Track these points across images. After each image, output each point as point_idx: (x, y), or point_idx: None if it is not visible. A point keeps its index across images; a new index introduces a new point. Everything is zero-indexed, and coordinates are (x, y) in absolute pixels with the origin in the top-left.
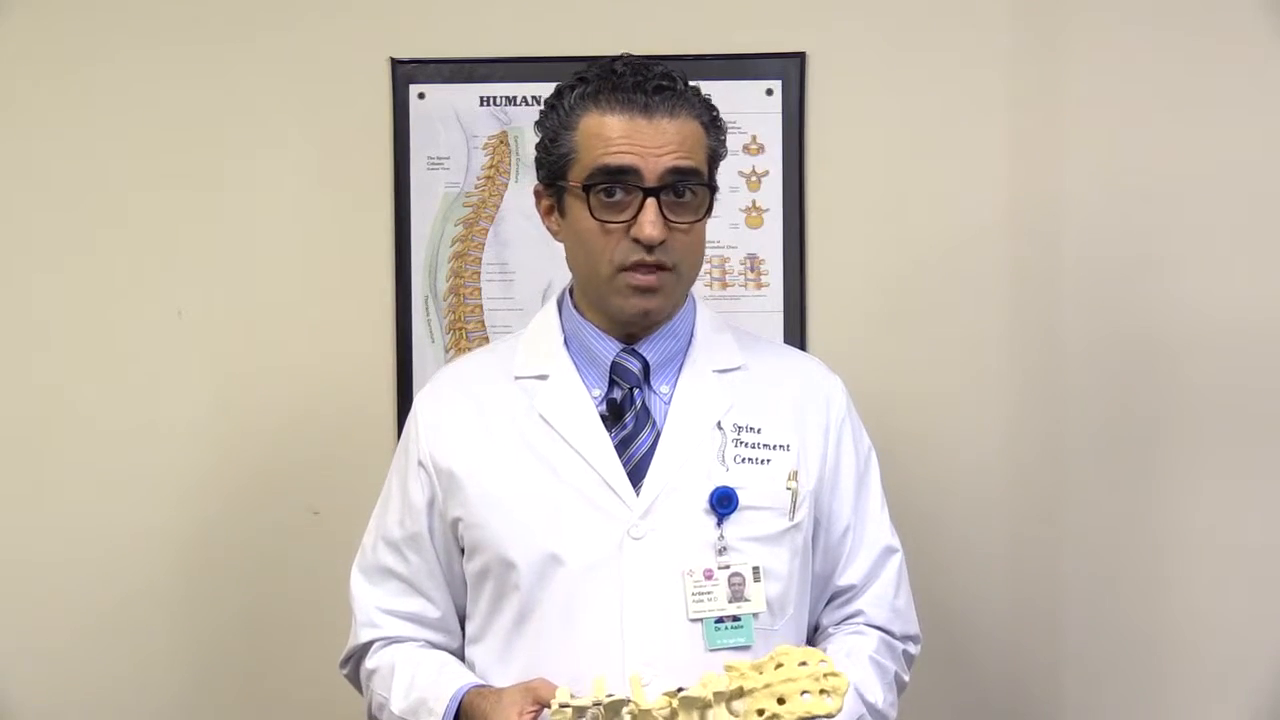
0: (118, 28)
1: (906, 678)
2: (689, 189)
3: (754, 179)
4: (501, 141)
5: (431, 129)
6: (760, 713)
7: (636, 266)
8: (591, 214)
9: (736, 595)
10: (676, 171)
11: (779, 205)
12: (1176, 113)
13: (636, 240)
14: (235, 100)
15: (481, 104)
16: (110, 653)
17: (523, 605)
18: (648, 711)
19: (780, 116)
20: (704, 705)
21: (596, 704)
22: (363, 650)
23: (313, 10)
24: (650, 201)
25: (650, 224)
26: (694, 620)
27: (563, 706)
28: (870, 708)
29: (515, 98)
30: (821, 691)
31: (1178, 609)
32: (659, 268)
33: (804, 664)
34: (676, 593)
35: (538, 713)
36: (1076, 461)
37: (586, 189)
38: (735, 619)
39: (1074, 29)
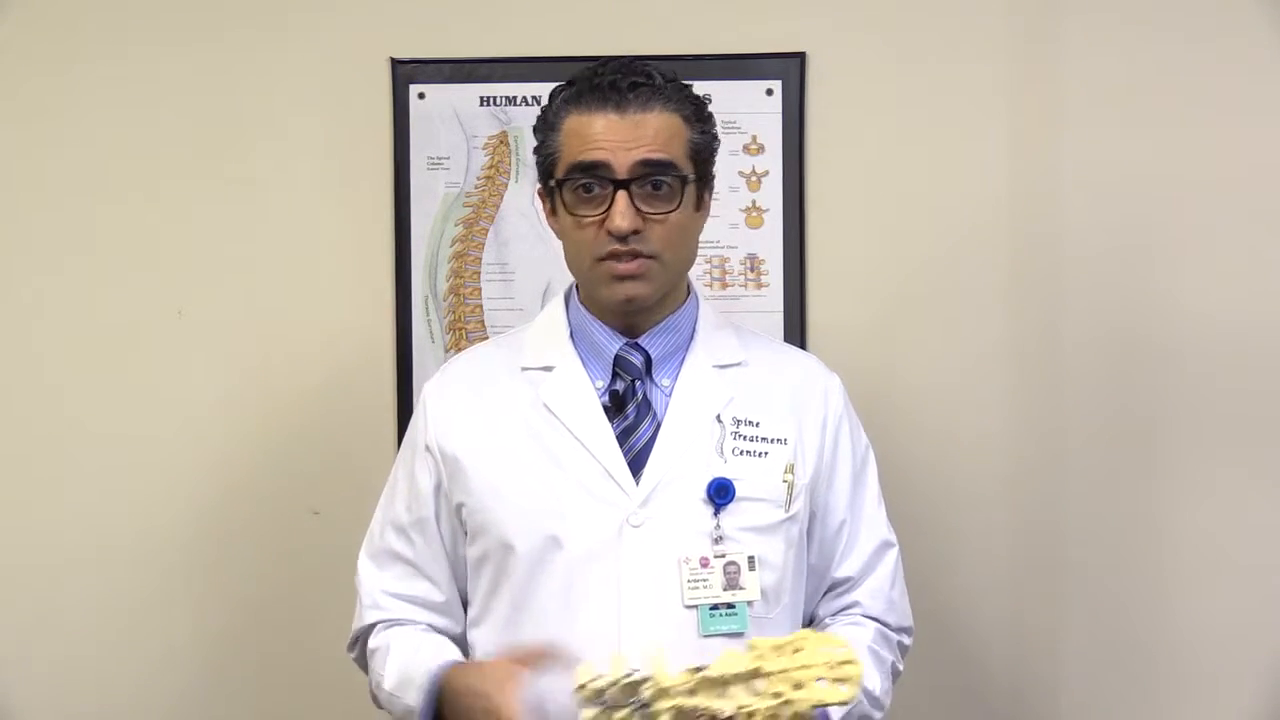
0: (118, 28)
1: (901, 667)
2: (664, 181)
3: (754, 179)
4: (501, 141)
5: (431, 129)
6: (776, 695)
7: (613, 256)
8: (568, 209)
9: (731, 583)
10: (647, 164)
11: (779, 205)
12: (1176, 112)
13: (610, 232)
14: (235, 100)
15: (481, 104)
16: (110, 653)
17: (521, 590)
18: (667, 690)
19: (780, 116)
20: (724, 684)
21: (615, 683)
22: (367, 631)
23: (313, 10)
24: (620, 194)
25: (620, 215)
26: (689, 607)
27: (582, 686)
28: (868, 695)
29: (515, 98)
30: (836, 680)
31: (1178, 608)
32: (638, 255)
33: (821, 648)
34: (673, 580)
35: (524, 676)
36: (1076, 460)
37: (560, 185)
38: (730, 606)
39: (1073, 29)
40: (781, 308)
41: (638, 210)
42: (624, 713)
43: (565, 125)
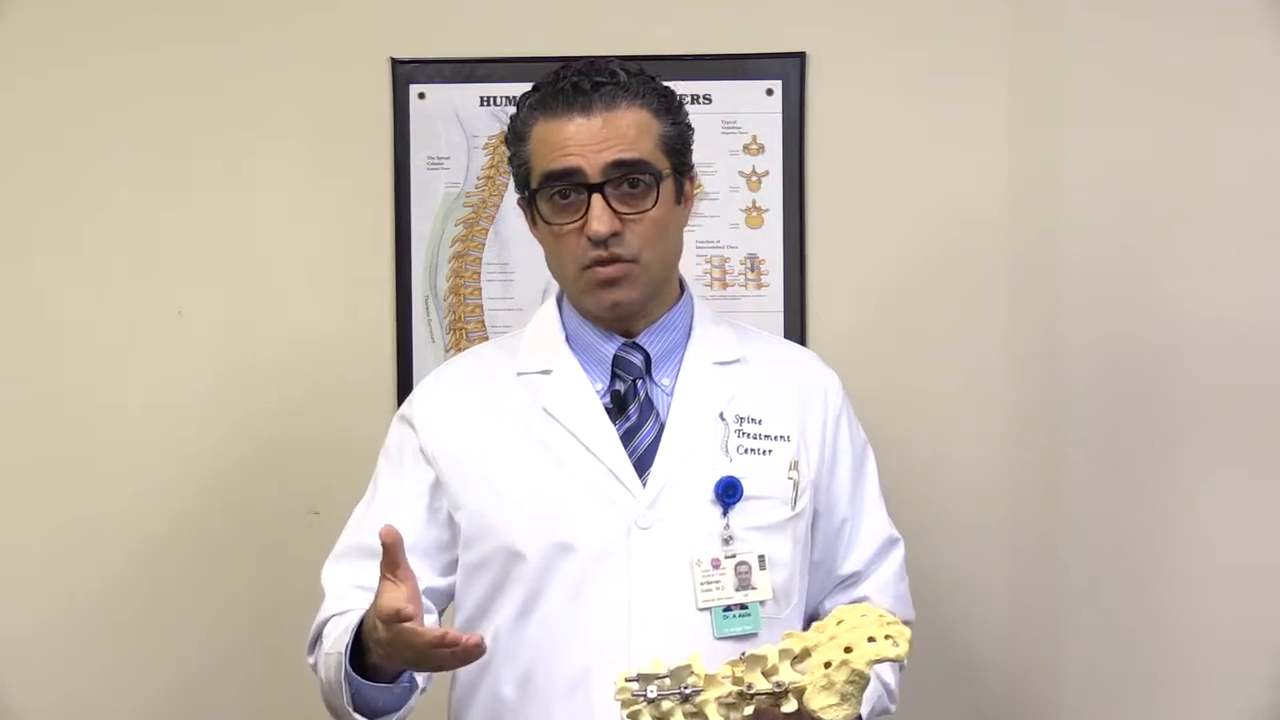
0: (117, 27)
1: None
2: (638, 179)
3: (754, 179)
4: (502, 141)
5: (431, 129)
6: (827, 665)
7: (595, 263)
8: (544, 219)
9: (743, 583)
10: (619, 165)
11: (779, 205)
12: (1177, 111)
13: (589, 238)
14: (236, 100)
15: (481, 104)
16: (110, 653)
17: (528, 595)
18: (713, 676)
19: (780, 116)
20: (768, 663)
21: (654, 676)
22: (320, 628)
23: (313, 10)
24: (596, 198)
25: (596, 219)
26: (702, 609)
27: (629, 680)
28: (887, 689)
29: (515, 98)
30: (887, 637)
31: (1178, 607)
32: (617, 260)
33: (864, 615)
34: (685, 582)
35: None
36: (1076, 459)
37: (535, 195)
38: (743, 607)
39: (1074, 28)
40: (781, 308)
41: (615, 212)
42: (668, 704)
43: (534, 134)
